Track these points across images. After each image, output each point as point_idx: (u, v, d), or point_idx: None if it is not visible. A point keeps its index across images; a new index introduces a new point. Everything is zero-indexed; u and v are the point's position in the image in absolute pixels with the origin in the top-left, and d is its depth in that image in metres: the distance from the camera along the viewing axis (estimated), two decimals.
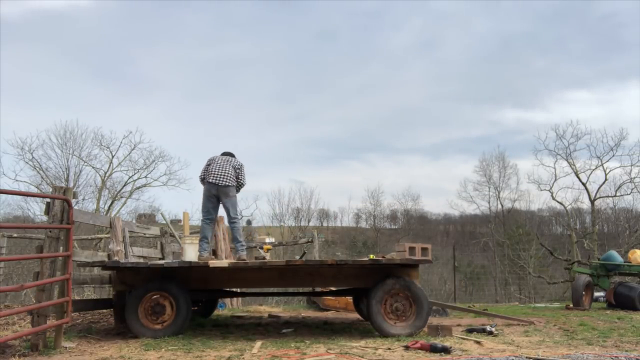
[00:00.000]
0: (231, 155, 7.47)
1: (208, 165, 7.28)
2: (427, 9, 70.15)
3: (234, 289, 7.61)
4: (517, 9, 66.74)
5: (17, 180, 21.86)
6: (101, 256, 7.49)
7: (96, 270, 9.41)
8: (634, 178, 22.28)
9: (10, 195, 24.11)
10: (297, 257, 10.69)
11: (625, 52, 62.27)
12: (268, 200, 43.31)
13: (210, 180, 7.10)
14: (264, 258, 9.04)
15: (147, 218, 29.04)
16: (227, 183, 7.07)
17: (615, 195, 23.56)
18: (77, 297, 9.36)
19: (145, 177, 24.21)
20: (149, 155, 24.13)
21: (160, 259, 8.86)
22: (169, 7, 67.83)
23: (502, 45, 68.68)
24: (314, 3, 73.10)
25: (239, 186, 7.35)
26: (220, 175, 7.09)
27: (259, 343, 5.73)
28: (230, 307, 10.25)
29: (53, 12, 59.27)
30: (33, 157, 22.75)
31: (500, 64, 67.97)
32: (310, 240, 12.53)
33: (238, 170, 7.26)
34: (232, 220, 7.21)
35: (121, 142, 23.70)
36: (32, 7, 57.95)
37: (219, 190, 7.09)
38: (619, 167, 22.89)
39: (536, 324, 7.31)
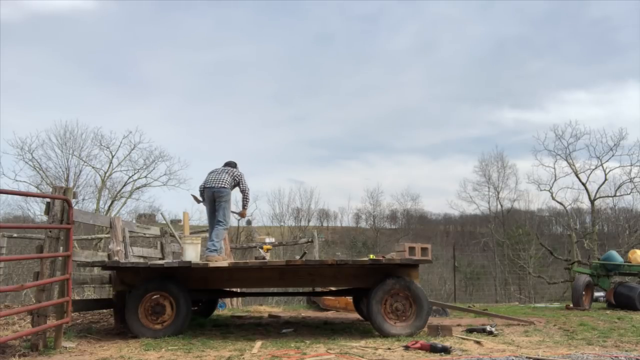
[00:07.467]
0: (232, 165, 7.87)
1: (208, 174, 7.73)
2: (422, 13, 70.59)
3: (234, 289, 7.61)
4: (510, 13, 67.21)
5: (17, 180, 21.85)
6: (101, 256, 7.48)
7: (96, 270, 9.40)
8: (634, 178, 22.38)
9: (10, 195, 24.09)
10: (297, 257, 10.68)
11: (620, 54, 62.58)
12: (268, 200, 43.40)
13: (207, 186, 7.61)
14: (264, 258, 9.06)
15: (147, 218, 29.00)
16: (220, 185, 7.53)
17: (615, 195, 23.65)
18: (77, 297, 9.36)
19: (145, 177, 24.19)
20: (148, 155, 24.13)
21: (160, 259, 8.85)
22: (169, 10, 68.02)
23: (497, 48, 69.07)
24: (312, 7, 73.37)
25: (243, 192, 7.75)
26: (215, 180, 7.58)
27: (259, 343, 5.73)
28: (230, 307, 10.25)
29: (54, 14, 59.38)
30: (33, 157, 22.74)
31: (497, 66, 68.36)
32: (310, 240, 12.53)
33: (238, 179, 7.69)
34: (218, 222, 7.53)
35: (121, 142, 23.71)
36: (34, 9, 58.01)
37: (214, 194, 7.52)
38: (619, 167, 22.98)
39: (536, 324, 7.31)
